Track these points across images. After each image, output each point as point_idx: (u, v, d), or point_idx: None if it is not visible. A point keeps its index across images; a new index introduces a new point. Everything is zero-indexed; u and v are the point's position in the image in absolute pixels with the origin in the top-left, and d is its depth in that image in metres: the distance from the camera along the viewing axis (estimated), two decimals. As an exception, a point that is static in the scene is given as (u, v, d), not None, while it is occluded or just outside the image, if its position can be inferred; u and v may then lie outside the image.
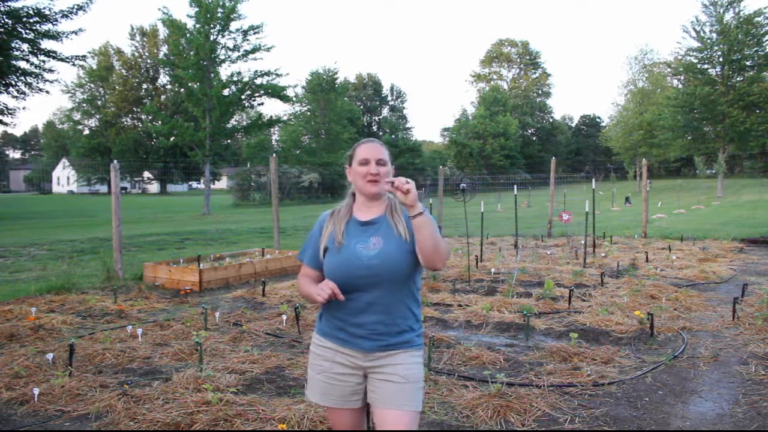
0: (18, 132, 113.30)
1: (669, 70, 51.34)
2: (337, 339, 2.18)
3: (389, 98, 75.12)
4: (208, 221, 24.48)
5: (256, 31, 31.91)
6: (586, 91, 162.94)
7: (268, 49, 32.50)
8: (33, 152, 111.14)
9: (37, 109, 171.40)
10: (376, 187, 2.18)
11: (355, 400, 2.20)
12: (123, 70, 69.12)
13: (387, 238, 2.14)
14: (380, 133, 69.85)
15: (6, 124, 29.92)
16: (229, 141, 47.58)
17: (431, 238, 2.04)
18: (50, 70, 26.15)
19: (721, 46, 38.52)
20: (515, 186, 13.46)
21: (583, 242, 10.53)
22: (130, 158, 60.81)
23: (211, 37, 31.08)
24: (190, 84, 31.57)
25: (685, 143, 42.54)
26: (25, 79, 25.71)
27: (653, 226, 15.94)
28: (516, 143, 65.60)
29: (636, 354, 4.80)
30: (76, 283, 7.94)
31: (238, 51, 32.11)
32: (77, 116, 70.00)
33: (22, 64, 25.15)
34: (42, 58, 25.27)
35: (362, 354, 2.15)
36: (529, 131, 76.55)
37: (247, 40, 32.05)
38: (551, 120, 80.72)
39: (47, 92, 50.89)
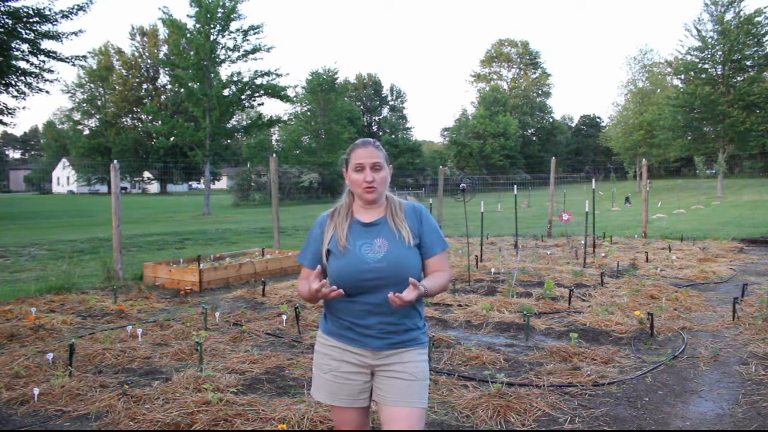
0: (18, 132, 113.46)
1: (669, 69, 51.27)
2: (345, 338, 2.18)
3: (389, 98, 75.14)
4: (208, 221, 24.49)
5: (256, 31, 31.95)
6: (586, 91, 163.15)
7: (268, 50, 32.55)
8: (33, 152, 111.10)
9: (37, 109, 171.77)
10: (373, 195, 2.18)
11: (362, 399, 2.21)
12: (123, 70, 69.14)
13: (391, 239, 2.15)
14: (380, 133, 69.84)
15: (6, 124, 29.95)
16: (229, 141, 47.54)
17: (439, 291, 2.22)
18: (50, 70, 26.20)
19: (721, 45, 38.53)
20: (515, 186, 13.44)
21: (583, 242, 10.53)
22: (130, 158, 60.81)
23: (211, 37, 31.11)
24: (190, 84, 31.58)
25: (685, 143, 42.53)
26: (25, 79, 25.72)
27: (653, 226, 15.93)
28: (516, 143, 65.61)
29: (636, 354, 4.80)
30: (76, 283, 7.94)
31: (238, 51, 32.16)
32: (77, 116, 70.00)
33: (22, 64, 25.19)
34: (42, 58, 25.28)
35: (371, 352, 2.15)
36: (529, 131, 76.55)
37: (247, 40, 32.09)
38: (551, 120, 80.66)
39: (47, 92, 50.97)
